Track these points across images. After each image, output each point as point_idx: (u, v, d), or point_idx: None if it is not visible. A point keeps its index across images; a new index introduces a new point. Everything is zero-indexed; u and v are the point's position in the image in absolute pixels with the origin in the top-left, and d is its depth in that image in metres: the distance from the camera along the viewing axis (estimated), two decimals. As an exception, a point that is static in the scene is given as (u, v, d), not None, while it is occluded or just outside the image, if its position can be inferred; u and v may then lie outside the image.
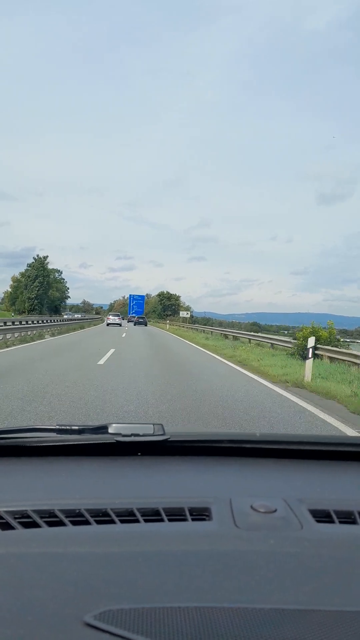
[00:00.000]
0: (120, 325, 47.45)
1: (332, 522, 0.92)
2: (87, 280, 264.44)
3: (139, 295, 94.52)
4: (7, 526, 0.85)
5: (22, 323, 23.51)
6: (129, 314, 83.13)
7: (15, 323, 22.66)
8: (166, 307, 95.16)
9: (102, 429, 1.26)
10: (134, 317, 72.62)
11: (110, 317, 52.72)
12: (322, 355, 13.41)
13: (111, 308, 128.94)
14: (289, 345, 15.89)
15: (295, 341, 14.62)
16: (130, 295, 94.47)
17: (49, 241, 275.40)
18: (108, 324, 47.57)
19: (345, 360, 12.11)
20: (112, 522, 0.88)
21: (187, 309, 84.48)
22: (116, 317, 51.49)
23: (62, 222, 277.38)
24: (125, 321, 63.60)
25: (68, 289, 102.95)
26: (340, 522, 0.92)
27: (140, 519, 0.89)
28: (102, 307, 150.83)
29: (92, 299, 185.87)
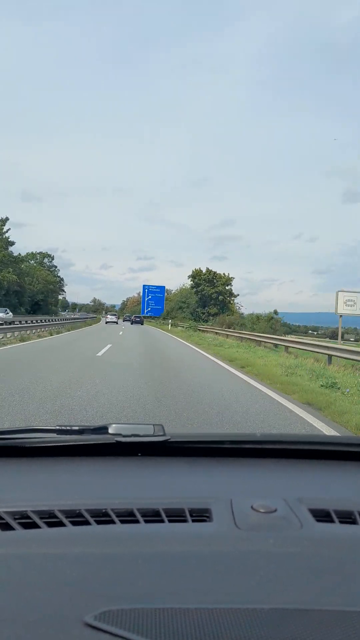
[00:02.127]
0: (116, 323, 56.66)
1: (332, 521, 0.92)
2: (106, 281, 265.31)
3: (157, 287, 65.99)
4: (7, 527, 0.85)
5: None
6: (143, 312, 63.67)
7: None
8: (206, 298, 54.60)
9: (102, 430, 1.26)
10: (130, 316, 70.19)
11: (108, 316, 63.69)
12: None
13: (124, 306, 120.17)
14: None
15: None
16: (143, 286, 66.28)
17: (71, 242, 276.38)
18: (107, 322, 56.95)
19: None
20: (112, 522, 0.88)
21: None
22: (113, 317, 62.51)
23: (85, 223, 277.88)
24: (121, 320, 68.38)
25: (61, 280, 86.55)
26: (340, 522, 0.92)
27: (141, 519, 0.89)
28: (114, 306, 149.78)
29: (111, 300, 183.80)
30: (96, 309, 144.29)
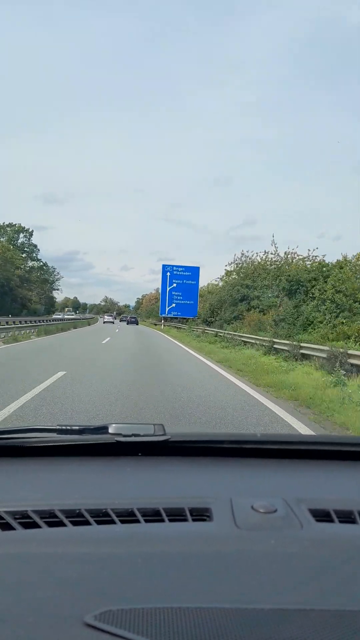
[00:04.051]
0: (113, 322, 58.50)
1: (332, 521, 0.91)
2: (125, 282, 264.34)
3: (185, 267, 40.52)
4: (8, 526, 0.85)
5: None
6: (163, 311, 40.45)
7: None
8: (296, 288, 20.21)
9: (103, 429, 1.26)
10: (126, 316, 67.09)
11: (106, 316, 65.46)
12: None
13: (139, 306, 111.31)
14: None
15: None
16: (163, 267, 40.30)
17: (92, 245, 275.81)
18: (104, 322, 58.80)
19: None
20: (112, 522, 0.88)
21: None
22: (110, 317, 64.53)
23: (106, 224, 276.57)
24: (117, 320, 69.69)
25: (55, 270, 73.86)
26: (340, 522, 0.92)
27: (141, 519, 0.89)
28: (128, 306, 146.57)
29: (128, 300, 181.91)
30: (108, 309, 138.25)
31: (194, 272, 41.25)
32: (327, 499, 1.03)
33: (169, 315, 41.70)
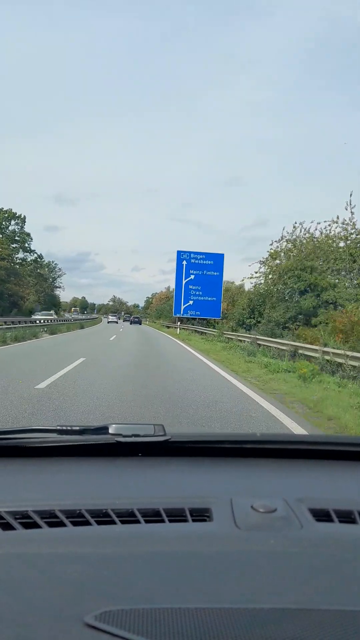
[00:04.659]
0: (117, 322, 59.53)
1: (331, 521, 0.91)
2: (136, 283, 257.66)
3: (206, 254, 30.62)
4: (8, 526, 0.85)
5: None
6: (178, 310, 30.68)
7: None
8: None
9: (103, 430, 1.25)
10: (129, 316, 67.80)
11: (110, 316, 66.50)
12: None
13: (148, 305, 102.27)
14: None
15: None
16: (178, 253, 30.40)
17: (103, 245, 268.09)
18: (108, 322, 59.10)
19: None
20: (112, 522, 0.88)
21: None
22: (114, 317, 66.30)
23: (117, 224, 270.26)
24: (121, 320, 71.48)
25: (57, 265, 72.00)
26: (340, 522, 0.91)
27: (141, 519, 0.89)
28: (137, 306, 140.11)
29: (137, 301, 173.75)
30: (116, 309, 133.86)
31: (217, 260, 30.45)
32: (327, 498, 1.03)
33: (184, 316, 31.75)
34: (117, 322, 60.71)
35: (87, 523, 0.87)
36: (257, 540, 0.82)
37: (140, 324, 58.76)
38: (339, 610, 0.64)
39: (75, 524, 0.86)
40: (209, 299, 30.17)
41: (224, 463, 1.26)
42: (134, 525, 0.87)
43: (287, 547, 0.80)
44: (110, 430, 1.23)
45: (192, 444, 1.31)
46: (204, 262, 30.41)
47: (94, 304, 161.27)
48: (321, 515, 0.92)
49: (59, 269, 77.25)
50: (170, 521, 0.89)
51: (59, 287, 76.02)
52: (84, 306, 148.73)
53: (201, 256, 30.51)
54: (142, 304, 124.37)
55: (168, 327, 42.34)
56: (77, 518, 0.88)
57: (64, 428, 1.27)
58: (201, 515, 0.91)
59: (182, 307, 30.47)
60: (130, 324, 58.41)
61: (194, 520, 0.90)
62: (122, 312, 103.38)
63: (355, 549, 0.83)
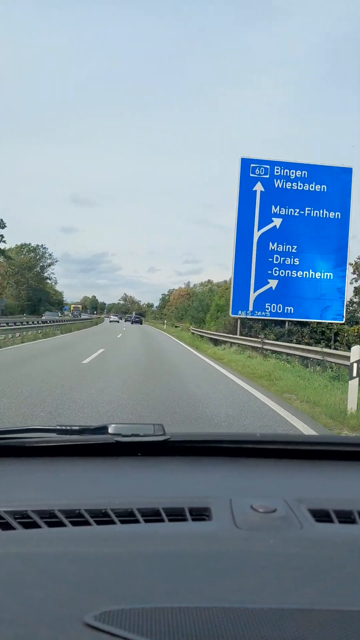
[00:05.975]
0: (119, 322, 60.83)
1: (331, 522, 0.91)
2: (152, 284, 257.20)
3: (317, 167, 14.32)
4: (7, 526, 0.85)
5: None
6: (240, 304, 14.74)
7: None
8: None
9: (102, 429, 1.25)
10: (131, 316, 69.16)
11: (111, 316, 69.48)
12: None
13: (164, 304, 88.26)
14: None
15: None
16: (243, 162, 14.29)
17: (120, 246, 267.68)
18: (110, 321, 61.06)
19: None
20: (112, 522, 0.88)
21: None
22: (116, 316, 68.88)
23: (134, 226, 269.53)
24: (123, 320, 72.47)
25: (46, 250, 63.26)
26: (340, 522, 0.91)
27: (140, 519, 0.89)
28: (151, 306, 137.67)
29: (154, 300, 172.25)
30: (127, 309, 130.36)
31: (337, 182, 15.67)
32: (327, 499, 1.02)
33: (254, 317, 16.27)
34: (118, 322, 62.58)
35: (87, 523, 0.87)
36: (257, 540, 0.82)
37: (141, 324, 59.12)
38: (339, 610, 0.64)
39: (74, 523, 0.86)
40: (319, 275, 15.46)
41: (224, 463, 1.26)
42: (134, 525, 0.87)
43: (287, 548, 0.80)
44: (110, 430, 1.23)
45: (191, 443, 1.31)
46: (308, 186, 15.54)
47: (104, 303, 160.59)
48: (321, 516, 0.92)
49: (49, 254, 65.14)
50: (170, 521, 0.88)
51: (49, 279, 64.91)
52: (93, 305, 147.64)
53: (301, 172, 15.55)
54: (156, 303, 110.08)
55: (215, 339, 19.56)
56: (77, 518, 0.88)
57: (64, 428, 1.27)
58: (201, 514, 0.91)
59: (253, 295, 15.57)
60: (132, 323, 59.34)
61: (193, 520, 0.90)
62: (134, 313, 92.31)
63: (355, 549, 0.82)
